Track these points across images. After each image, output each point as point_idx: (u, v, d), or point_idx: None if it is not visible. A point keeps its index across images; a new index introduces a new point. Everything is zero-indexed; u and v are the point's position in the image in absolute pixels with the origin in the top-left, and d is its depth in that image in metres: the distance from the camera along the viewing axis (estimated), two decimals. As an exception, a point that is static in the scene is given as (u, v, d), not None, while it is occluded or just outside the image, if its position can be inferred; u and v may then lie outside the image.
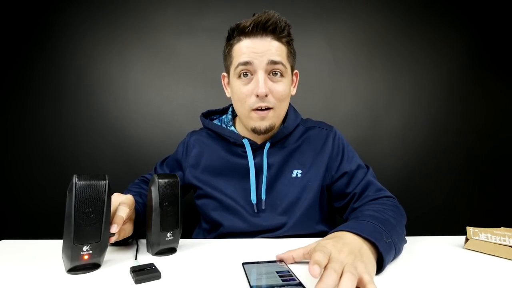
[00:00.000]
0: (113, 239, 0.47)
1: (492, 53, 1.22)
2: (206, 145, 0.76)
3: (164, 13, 1.17)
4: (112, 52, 1.16)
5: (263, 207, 0.67)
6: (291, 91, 0.73)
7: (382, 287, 0.37)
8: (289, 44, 0.67)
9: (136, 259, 0.48)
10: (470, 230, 0.54)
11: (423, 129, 1.21)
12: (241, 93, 0.65)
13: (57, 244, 0.54)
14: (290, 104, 0.77)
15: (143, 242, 0.58)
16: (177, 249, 0.53)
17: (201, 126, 0.81)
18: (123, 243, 0.57)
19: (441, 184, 1.20)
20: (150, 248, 0.51)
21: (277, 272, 0.41)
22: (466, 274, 0.42)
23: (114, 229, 0.46)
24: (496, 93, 1.22)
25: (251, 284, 0.37)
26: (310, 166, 0.70)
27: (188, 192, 0.84)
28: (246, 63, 0.62)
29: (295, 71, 0.74)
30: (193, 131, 0.83)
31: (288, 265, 0.45)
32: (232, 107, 0.80)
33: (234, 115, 0.80)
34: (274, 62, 0.62)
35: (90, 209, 0.41)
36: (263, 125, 0.65)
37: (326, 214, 0.73)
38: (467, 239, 0.55)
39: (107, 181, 0.43)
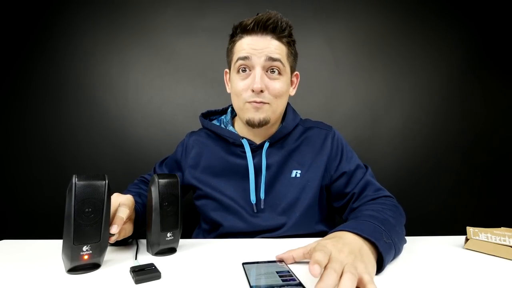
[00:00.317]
0: (113, 239, 0.47)
1: (492, 53, 1.22)
2: (206, 145, 0.76)
3: (164, 13, 1.17)
4: (112, 52, 1.16)
5: (262, 207, 0.67)
6: (290, 92, 0.74)
7: (382, 287, 0.37)
8: (289, 44, 0.68)
9: (136, 259, 0.48)
10: (470, 230, 0.54)
11: (423, 129, 1.21)
12: (238, 87, 0.66)
13: (57, 244, 0.54)
14: (289, 104, 0.78)
15: (143, 242, 0.58)
16: (177, 249, 0.53)
17: (201, 126, 0.81)
18: (123, 243, 0.57)
19: (441, 184, 1.20)
20: (150, 248, 0.51)
21: (277, 272, 0.41)
22: (466, 274, 0.42)
23: (114, 229, 0.46)
24: (496, 93, 1.22)
25: (251, 284, 0.37)
26: (309, 166, 0.70)
27: (188, 193, 0.84)
28: (245, 58, 0.64)
29: (296, 72, 0.74)
30: (192, 132, 0.83)
31: (288, 265, 0.44)
32: (231, 108, 0.81)
33: (233, 116, 0.80)
34: (272, 59, 0.64)
35: (90, 209, 0.41)
36: (257, 116, 0.66)
37: (325, 214, 0.73)
38: (467, 239, 0.55)
39: (107, 181, 0.43)
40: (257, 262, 0.45)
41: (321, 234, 0.69)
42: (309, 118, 0.84)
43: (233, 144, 0.73)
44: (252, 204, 0.67)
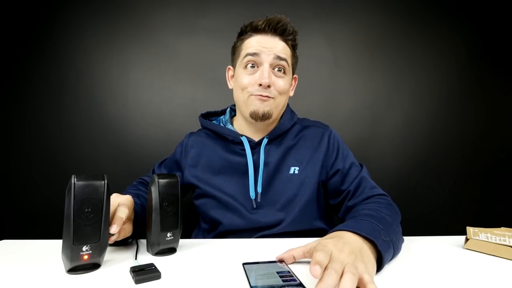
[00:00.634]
0: (112, 239, 0.47)
1: (492, 53, 1.22)
2: (205, 145, 0.77)
3: (164, 13, 1.17)
4: (112, 52, 1.16)
5: (259, 200, 0.68)
6: (290, 93, 0.77)
7: (382, 287, 0.37)
8: (293, 48, 0.73)
9: (136, 259, 0.48)
10: (470, 230, 0.54)
11: (423, 129, 1.21)
12: (244, 81, 0.69)
13: (57, 244, 0.54)
14: (288, 104, 0.80)
15: (143, 242, 0.58)
16: (177, 249, 0.53)
17: (200, 127, 0.82)
18: (122, 243, 0.57)
19: (441, 184, 1.20)
20: (150, 248, 0.51)
21: (278, 272, 0.41)
22: (466, 274, 0.42)
23: (113, 229, 0.46)
24: (496, 93, 1.22)
25: (251, 284, 0.37)
26: (307, 163, 0.72)
27: (187, 193, 0.84)
28: (254, 54, 0.67)
29: (295, 75, 0.78)
30: (191, 133, 0.84)
31: (288, 265, 0.44)
32: (230, 108, 0.83)
33: (232, 115, 0.82)
34: (280, 58, 0.68)
35: (89, 209, 0.41)
36: (261, 108, 0.68)
37: (324, 211, 0.74)
38: (467, 239, 0.55)
39: (106, 181, 0.43)
40: (257, 262, 0.45)
41: (320, 231, 0.70)
42: (309, 117, 0.85)
43: (232, 142, 0.74)
44: (251, 199, 0.68)
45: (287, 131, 0.76)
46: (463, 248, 0.55)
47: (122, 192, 0.65)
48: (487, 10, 1.22)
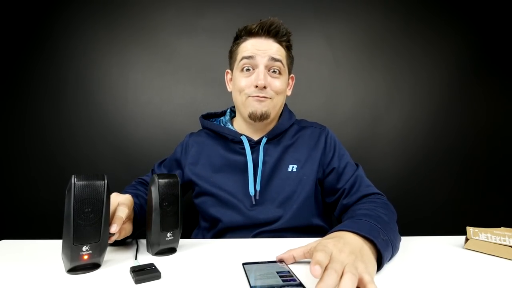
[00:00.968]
0: (112, 239, 0.47)
1: (492, 53, 1.22)
2: (205, 144, 0.79)
3: (164, 13, 1.17)
4: (112, 52, 1.16)
5: (258, 198, 0.70)
6: (287, 92, 0.79)
7: (382, 287, 0.37)
8: (288, 49, 0.75)
9: (136, 259, 0.48)
10: (470, 230, 0.54)
11: (423, 129, 1.21)
12: (241, 83, 0.71)
13: (57, 244, 0.54)
14: (286, 105, 0.82)
15: (143, 242, 0.58)
16: (177, 249, 0.53)
17: (200, 128, 0.84)
18: (122, 243, 0.57)
19: (441, 184, 1.20)
20: (150, 248, 0.51)
21: (277, 272, 0.41)
22: (466, 274, 0.42)
23: (113, 229, 0.46)
24: (496, 93, 1.22)
25: (251, 284, 0.37)
26: (305, 161, 0.73)
27: (187, 192, 0.84)
28: (249, 57, 0.69)
29: (291, 75, 0.80)
30: (192, 133, 0.85)
31: (288, 265, 0.44)
32: (230, 109, 0.85)
33: (232, 116, 0.84)
34: (275, 59, 0.70)
35: (89, 209, 0.41)
36: (259, 109, 0.70)
37: (321, 209, 0.75)
38: (467, 239, 0.55)
39: (106, 181, 0.43)
40: (257, 262, 0.45)
41: (318, 228, 0.72)
42: (309, 117, 0.86)
43: (232, 141, 0.76)
44: (250, 197, 0.70)
45: (286, 130, 0.78)
46: (463, 248, 0.55)
47: (121, 192, 0.65)
48: (488, 10, 1.22)
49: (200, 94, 1.17)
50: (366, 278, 0.33)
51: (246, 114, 0.72)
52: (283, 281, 0.38)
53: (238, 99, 0.74)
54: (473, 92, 1.22)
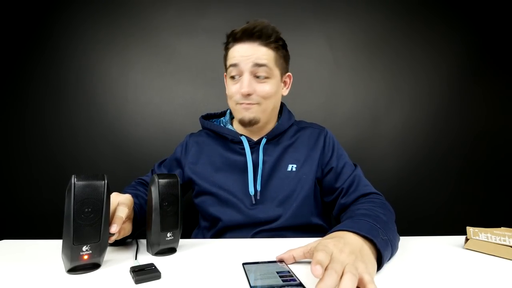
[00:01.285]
0: (112, 239, 0.47)
1: (492, 53, 1.22)
2: (205, 144, 0.79)
3: (164, 13, 1.17)
4: (112, 52, 1.16)
5: (259, 197, 0.70)
6: (283, 92, 0.78)
7: (382, 287, 0.37)
8: (277, 49, 0.72)
9: (136, 259, 0.48)
10: (470, 230, 0.54)
11: (423, 129, 1.21)
12: (230, 91, 0.73)
13: (57, 244, 0.54)
14: (285, 105, 0.83)
15: (143, 242, 0.58)
16: (177, 249, 0.53)
17: (200, 128, 0.84)
18: (122, 243, 0.57)
19: (441, 184, 1.20)
20: (150, 248, 0.51)
21: (277, 272, 0.41)
22: (466, 274, 0.42)
23: (113, 229, 0.46)
24: (496, 93, 1.22)
25: (251, 284, 0.37)
26: (304, 161, 0.74)
27: (187, 192, 0.84)
28: (235, 65, 0.70)
29: (288, 73, 0.78)
30: (192, 133, 0.85)
31: (288, 265, 0.44)
32: (230, 110, 0.84)
33: (232, 117, 0.85)
34: (259, 65, 0.68)
35: (89, 209, 0.41)
36: (247, 116, 0.71)
37: (321, 208, 0.76)
38: (467, 239, 0.55)
39: (106, 181, 0.43)
40: (257, 262, 0.45)
41: (317, 226, 0.72)
42: (309, 118, 0.87)
43: (232, 141, 0.76)
44: (250, 196, 0.70)
45: (285, 131, 0.78)
46: (463, 248, 0.55)
47: (120, 192, 0.65)
48: (487, 10, 1.22)
49: (200, 94, 1.17)
50: (366, 278, 0.33)
51: (238, 119, 0.74)
52: (283, 281, 0.38)
53: (230, 105, 0.76)
54: (473, 92, 1.21)
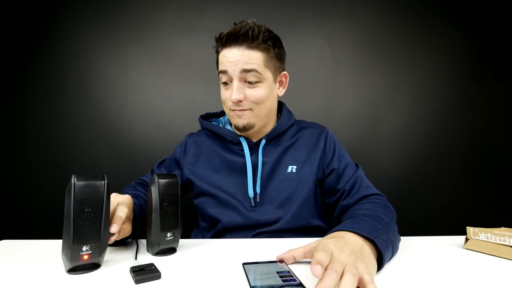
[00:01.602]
0: (112, 239, 0.47)
1: (492, 53, 1.22)
2: (205, 144, 0.79)
3: (164, 13, 1.17)
4: (112, 52, 1.15)
5: (258, 200, 0.69)
6: (278, 92, 0.75)
7: (382, 287, 0.37)
8: (268, 50, 0.67)
9: (136, 259, 0.48)
10: (470, 230, 0.54)
11: (423, 129, 1.21)
12: (222, 97, 0.72)
13: (57, 244, 0.54)
14: (284, 105, 0.82)
15: (143, 242, 0.58)
16: (177, 249, 0.53)
17: (200, 128, 0.83)
18: (122, 243, 0.57)
19: (442, 184, 1.20)
20: (150, 248, 0.51)
21: (277, 272, 0.41)
22: (466, 274, 0.42)
23: (113, 229, 0.46)
24: (496, 93, 1.22)
25: (251, 284, 0.37)
26: (304, 162, 0.73)
27: (187, 192, 0.84)
28: (224, 72, 0.67)
29: (284, 72, 0.75)
30: (191, 133, 0.85)
31: (288, 265, 0.44)
32: None
33: None
34: (247, 70, 0.65)
35: (89, 209, 0.41)
36: (240, 122, 0.70)
37: (321, 209, 0.75)
38: (467, 239, 0.55)
39: (106, 181, 0.43)
40: (257, 262, 0.45)
41: (318, 228, 0.71)
42: (309, 118, 0.86)
43: (231, 142, 0.76)
44: (249, 198, 0.69)
45: (285, 131, 0.77)
46: (463, 248, 0.55)
47: (121, 192, 0.65)
48: (487, 10, 1.22)
49: (200, 94, 1.17)
50: (366, 278, 0.33)
51: (233, 125, 0.74)
52: (283, 281, 0.38)
53: (225, 110, 0.75)
54: (473, 92, 1.21)
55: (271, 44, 0.68)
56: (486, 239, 0.52)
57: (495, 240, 0.51)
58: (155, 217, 0.49)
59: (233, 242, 0.59)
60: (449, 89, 1.21)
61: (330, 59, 1.21)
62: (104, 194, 0.42)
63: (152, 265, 0.43)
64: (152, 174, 0.82)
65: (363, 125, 1.20)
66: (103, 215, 0.43)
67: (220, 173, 0.73)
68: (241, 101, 0.67)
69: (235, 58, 0.65)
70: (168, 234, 0.50)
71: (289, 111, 0.82)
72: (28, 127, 1.12)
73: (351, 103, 1.20)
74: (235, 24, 0.67)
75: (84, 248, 0.41)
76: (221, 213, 0.70)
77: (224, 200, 0.71)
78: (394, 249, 0.47)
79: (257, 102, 0.69)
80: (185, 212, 0.79)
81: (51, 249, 0.53)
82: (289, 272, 0.41)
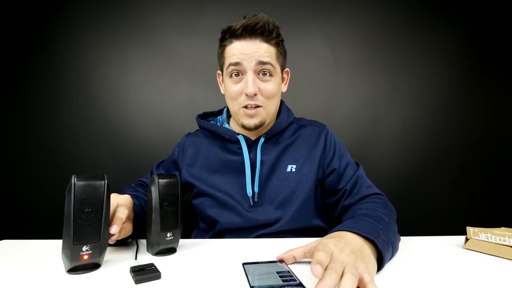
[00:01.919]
0: (113, 239, 0.47)
1: (492, 53, 1.22)
2: (202, 144, 0.78)
3: (164, 13, 1.17)
4: (112, 52, 1.15)
5: (256, 199, 0.68)
6: (282, 88, 0.76)
7: (382, 287, 0.37)
8: (278, 45, 0.69)
9: (136, 259, 0.48)
10: (470, 230, 0.54)
11: (423, 129, 1.21)
12: (232, 91, 0.69)
13: (57, 244, 0.54)
14: (283, 102, 0.81)
15: (143, 242, 0.58)
16: (177, 249, 0.53)
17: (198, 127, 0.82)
18: (122, 243, 0.57)
19: (441, 184, 1.20)
20: (150, 248, 0.51)
21: (277, 272, 0.41)
22: (466, 274, 0.42)
23: (114, 229, 0.46)
24: (496, 93, 1.22)
25: (251, 284, 0.37)
26: (304, 161, 0.72)
27: (186, 193, 0.84)
28: (237, 64, 0.66)
29: (286, 69, 0.76)
30: (189, 133, 0.84)
31: (288, 265, 0.44)
32: (227, 108, 0.82)
33: (229, 115, 0.82)
34: (263, 63, 0.66)
35: (89, 209, 0.41)
36: (252, 122, 0.69)
37: (321, 209, 0.74)
38: (467, 239, 0.55)
39: (106, 181, 0.43)
40: (257, 262, 0.45)
41: (318, 229, 0.71)
42: (309, 117, 0.85)
43: (229, 141, 0.74)
44: (248, 198, 0.68)
45: (284, 129, 0.76)
46: (463, 248, 0.55)
47: (121, 193, 0.65)
48: (488, 10, 1.22)
49: (200, 94, 1.17)
50: (366, 278, 0.33)
51: (240, 124, 0.72)
52: (283, 281, 0.38)
53: (231, 106, 0.72)
54: (473, 92, 1.21)
55: (281, 40, 0.70)
56: (486, 239, 0.52)
57: (495, 240, 0.51)
58: (155, 217, 0.49)
59: (233, 242, 0.59)
60: (449, 89, 1.21)
61: (330, 59, 1.21)
62: (104, 194, 0.42)
63: (152, 265, 0.43)
64: (151, 175, 0.81)
65: (363, 125, 1.20)
66: (103, 215, 0.43)
67: (218, 173, 0.73)
68: (256, 94, 0.66)
69: (250, 50, 0.65)
70: (168, 234, 0.50)
71: (288, 108, 0.81)
72: (28, 127, 1.12)
73: (351, 103, 1.21)
74: (244, 17, 0.67)
75: (84, 248, 0.41)
76: (219, 214, 0.69)
77: (222, 200, 0.70)
78: (394, 249, 0.47)
79: (269, 97, 0.68)
80: (185, 212, 0.79)
81: (51, 249, 0.53)
82: (289, 272, 0.41)
